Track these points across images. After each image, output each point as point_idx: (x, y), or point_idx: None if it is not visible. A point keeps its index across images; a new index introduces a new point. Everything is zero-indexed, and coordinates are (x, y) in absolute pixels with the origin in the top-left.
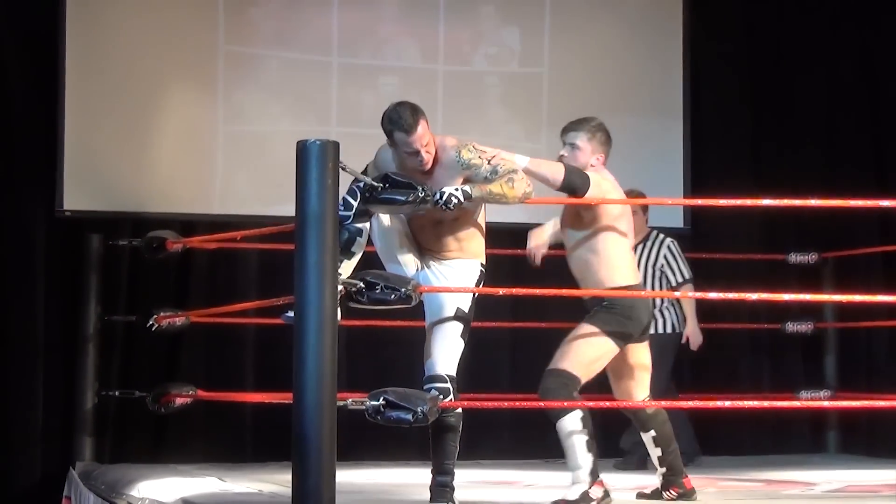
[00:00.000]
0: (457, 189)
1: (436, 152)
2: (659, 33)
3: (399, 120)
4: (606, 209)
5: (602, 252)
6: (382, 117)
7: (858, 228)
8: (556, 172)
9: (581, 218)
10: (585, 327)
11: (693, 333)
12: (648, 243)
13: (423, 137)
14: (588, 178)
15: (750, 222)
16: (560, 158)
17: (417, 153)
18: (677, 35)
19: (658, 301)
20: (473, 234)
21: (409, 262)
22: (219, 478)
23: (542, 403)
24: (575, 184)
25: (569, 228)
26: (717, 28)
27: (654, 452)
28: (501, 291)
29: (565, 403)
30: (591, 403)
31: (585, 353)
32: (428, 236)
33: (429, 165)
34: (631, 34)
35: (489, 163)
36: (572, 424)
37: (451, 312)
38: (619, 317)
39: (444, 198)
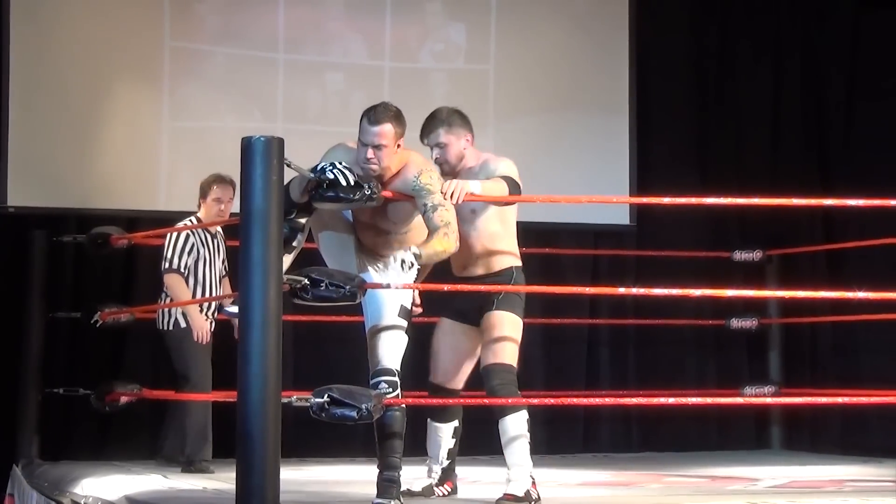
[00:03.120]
0: (406, 251)
1: (401, 169)
2: (605, 30)
3: (372, 110)
4: None
5: (510, 234)
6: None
7: (802, 227)
8: (503, 192)
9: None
10: (507, 315)
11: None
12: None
13: (383, 138)
14: (515, 181)
15: (695, 220)
16: (435, 160)
17: (366, 147)
18: (623, 32)
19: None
20: (414, 238)
21: (349, 264)
22: (163, 475)
23: (485, 401)
24: (515, 194)
25: (480, 215)
26: (663, 25)
27: (449, 444)
28: (446, 288)
29: (509, 401)
30: (535, 401)
31: (515, 342)
32: (372, 240)
33: (376, 168)
34: (577, 31)
35: (439, 199)
36: (520, 425)
37: (394, 309)
38: (520, 299)
39: (398, 262)
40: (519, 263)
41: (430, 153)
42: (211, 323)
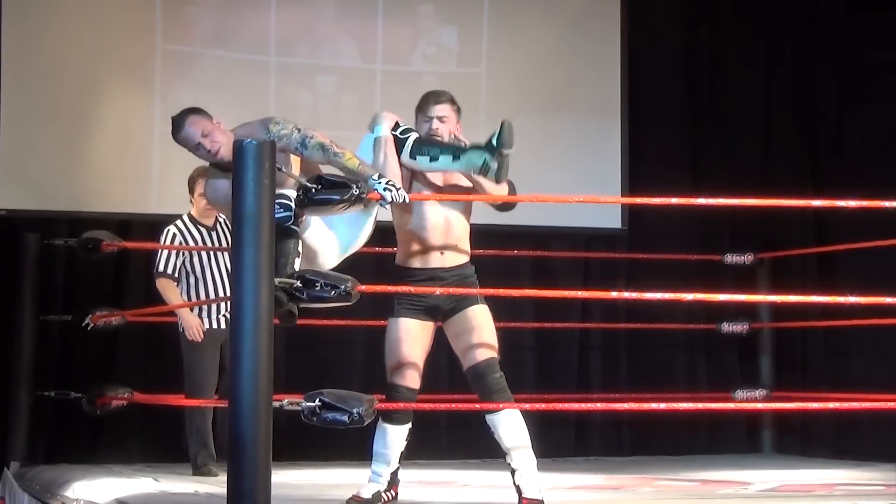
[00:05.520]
0: (378, 182)
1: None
2: (597, 33)
3: (172, 126)
4: None
5: (467, 226)
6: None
7: (793, 230)
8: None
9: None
10: (486, 309)
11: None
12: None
13: (195, 134)
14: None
15: (686, 224)
16: (430, 132)
17: (198, 147)
18: (615, 34)
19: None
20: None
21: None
22: (154, 478)
23: (476, 406)
24: (513, 191)
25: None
26: (655, 28)
27: (402, 447)
28: (438, 291)
29: (508, 405)
30: (527, 405)
31: (494, 334)
32: None
33: (220, 152)
34: (569, 34)
35: (298, 130)
36: (519, 427)
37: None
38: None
39: (392, 195)
40: None
41: (421, 126)
42: (226, 321)
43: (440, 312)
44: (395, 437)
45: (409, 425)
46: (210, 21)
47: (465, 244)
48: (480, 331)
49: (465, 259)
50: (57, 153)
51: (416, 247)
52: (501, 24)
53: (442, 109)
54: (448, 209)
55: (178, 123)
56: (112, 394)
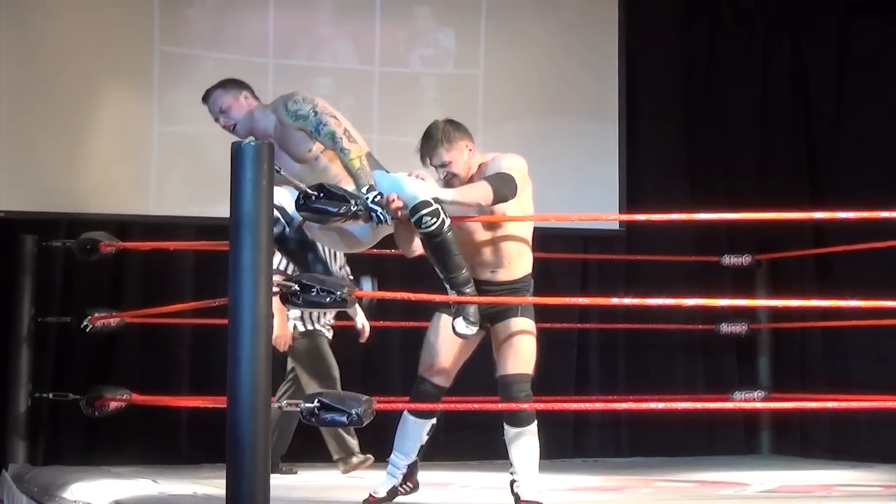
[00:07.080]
0: (367, 195)
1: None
2: (595, 36)
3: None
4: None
5: (529, 234)
6: None
7: (791, 232)
8: (485, 194)
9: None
10: (529, 323)
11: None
12: None
13: (215, 108)
14: (511, 177)
15: (684, 225)
16: (446, 179)
17: (217, 121)
18: (613, 38)
19: None
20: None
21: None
22: (153, 480)
23: (475, 406)
24: (505, 194)
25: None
26: (652, 30)
27: (424, 440)
28: (438, 298)
29: (526, 406)
30: (525, 406)
31: (533, 350)
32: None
33: (235, 129)
34: (567, 38)
35: (315, 114)
36: (535, 434)
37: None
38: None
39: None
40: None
41: (436, 173)
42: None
43: (482, 318)
44: (415, 430)
45: (434, 420)
46: (208, 23)
47: (518, 262)
48: (518, 343)
49: (519, 275)
50: (55, 154)
51: (466, 256)
52: (499, 26)
53: (437, 159)
54: (495, 231)
55: (206, 95)
56: (110, 395)
